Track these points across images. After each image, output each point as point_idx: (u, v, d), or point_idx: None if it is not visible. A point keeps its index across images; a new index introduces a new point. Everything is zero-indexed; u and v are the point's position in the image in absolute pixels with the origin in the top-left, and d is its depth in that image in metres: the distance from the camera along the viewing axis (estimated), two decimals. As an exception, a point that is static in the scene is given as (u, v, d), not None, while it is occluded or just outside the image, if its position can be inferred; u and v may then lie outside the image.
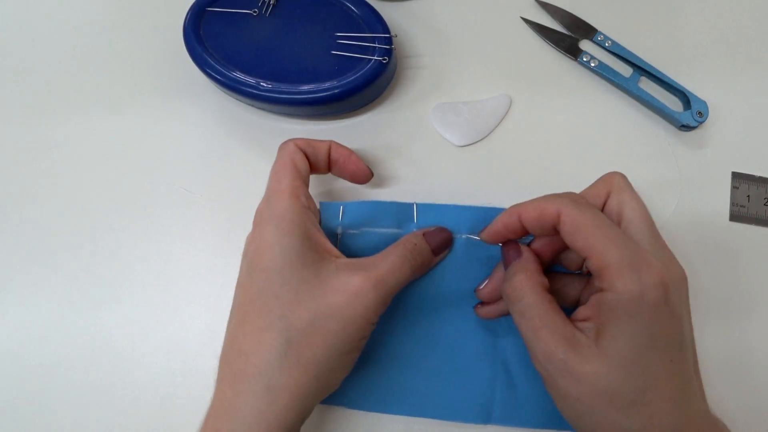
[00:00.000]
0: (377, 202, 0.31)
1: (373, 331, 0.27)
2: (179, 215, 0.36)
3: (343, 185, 0.36)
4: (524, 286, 0.25)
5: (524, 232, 0.27)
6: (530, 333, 0.24)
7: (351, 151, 0.31)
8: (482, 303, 0.30)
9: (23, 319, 0.35)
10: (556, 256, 0.28)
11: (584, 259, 0.24)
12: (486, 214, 0.30)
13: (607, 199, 0.26)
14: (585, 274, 0.29)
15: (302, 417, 0.26)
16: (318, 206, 0.30)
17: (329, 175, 0.32)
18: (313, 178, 0.30)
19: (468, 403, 0.31)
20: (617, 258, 0.23)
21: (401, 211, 0.31)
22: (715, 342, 0.33)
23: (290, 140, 0.29)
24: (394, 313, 0.31)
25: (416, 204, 0.31)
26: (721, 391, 0.32)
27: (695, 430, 0.23)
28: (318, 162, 0.30)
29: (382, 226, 0.31)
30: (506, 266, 0.27)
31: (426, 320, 0.31)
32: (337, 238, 0.31)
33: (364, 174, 0.31)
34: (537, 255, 0.27)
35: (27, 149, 0.38)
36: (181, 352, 0.34)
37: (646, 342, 0.22)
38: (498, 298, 0.29)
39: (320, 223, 0.30)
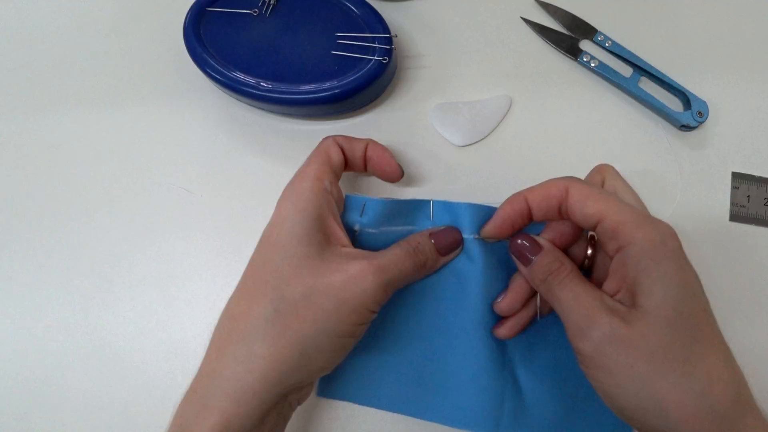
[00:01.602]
0: (398, 201, 0.30)
1: (384, 335, 0.27)
2: (179, 215, 0.36)
3: (344, 180, 0.36)
4: (559, 265, 0.26)
5: (528, 218, 0.27)
6: (571, 302, 0.24)
7: (386, 150, 0.31)
8: (500, 322, 0.30)
9: (23, 319, 0.35)
10: (563, 250, 0.28)
11: (595, 225, 0.25)
12: None
13: (602, 185, 0.28)
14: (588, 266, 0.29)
15: (281, 390, 0.25)
16: (344, 197, 0.30)
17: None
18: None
19: (477, 411, 0.30)
20: (631, 214, 0.24)
21: (418, 209, 0.30)
22: (715, 342, 0.33)
23: (330, 136, 0.30)
24: (404, 319, 0.31)
25: (433, 201, 0.30)
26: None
27: (748, 393, 0.23)
28: (354, 158, 0.30)
29: (399, 224, 0.30)
30: (519, 258, 0.27)
31: (437, 327, 0.31)
32: (355, 234, 0.30)
33: (395, 173, 0.31)
34: None
35: (27, 149, 0.38)
36: (181, 352, 0.34)
37: (678, 288, 0.23)
38: (517, 310, 0.29)
39: (342, 214, 0.30)
